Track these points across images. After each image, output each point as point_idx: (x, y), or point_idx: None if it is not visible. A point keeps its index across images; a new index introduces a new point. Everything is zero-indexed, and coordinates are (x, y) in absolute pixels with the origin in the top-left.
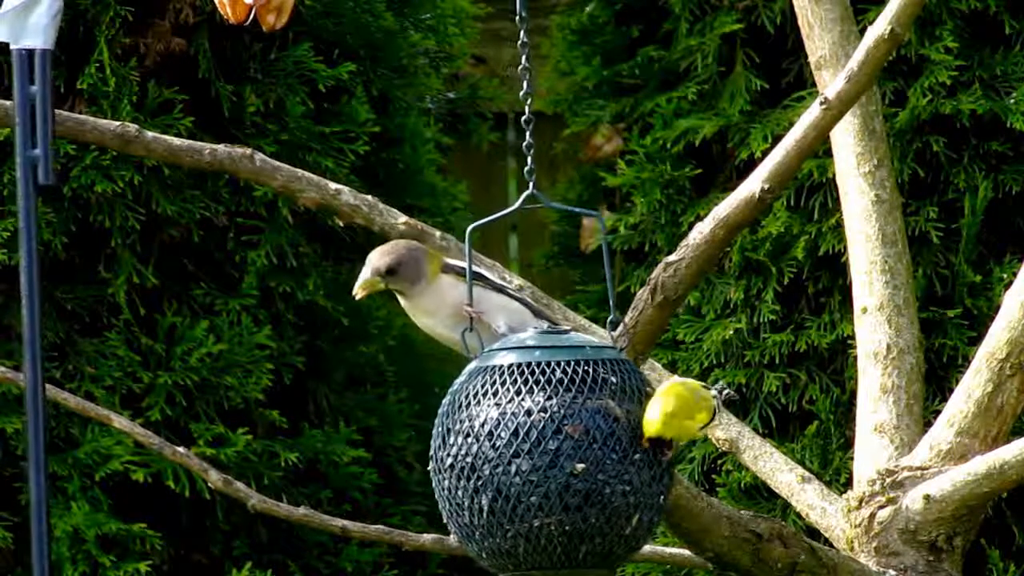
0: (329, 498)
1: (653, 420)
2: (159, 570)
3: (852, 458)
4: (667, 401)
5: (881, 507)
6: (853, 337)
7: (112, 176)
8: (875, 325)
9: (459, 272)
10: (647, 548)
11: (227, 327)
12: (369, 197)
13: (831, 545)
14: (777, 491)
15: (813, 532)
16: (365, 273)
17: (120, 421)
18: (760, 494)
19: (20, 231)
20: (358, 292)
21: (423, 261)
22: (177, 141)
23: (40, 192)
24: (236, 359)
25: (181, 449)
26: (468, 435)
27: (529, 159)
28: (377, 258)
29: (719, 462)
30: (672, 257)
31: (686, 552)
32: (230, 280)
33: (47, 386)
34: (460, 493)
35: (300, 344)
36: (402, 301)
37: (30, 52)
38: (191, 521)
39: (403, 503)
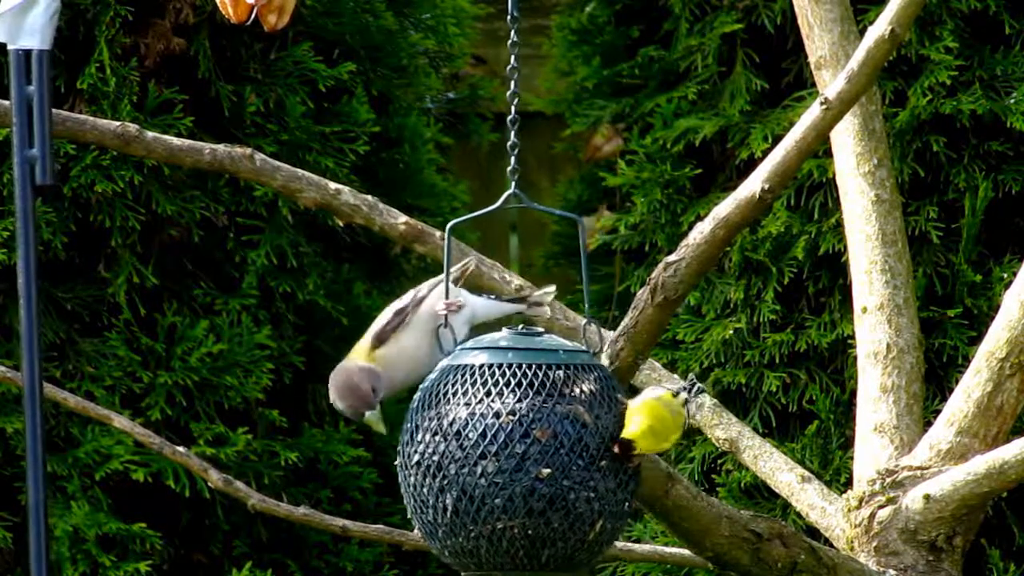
0: (329, 498)
1: (633, 431)
2: (159, 570)
3: (852, 458)
4: (649, 416)
5: (881, 507)
6: (853, 337)
7: (112, 176)
8: (875, 325)
9: (376, 335)
10: (647, 547)
11: (227, 327)
12: (369, 197)
13: (831, 545)
14: (777, 491)
15: (813, 532)
16: (365, 415)
17: (120, 421)
18: (760, 494)
19: (18, 230)
20: (379, 428)
21: (360, 371)
22: (177, 141)
23: (38, 192)
24: (236, 359)
25: (181, 449)
26: (436, 433)
27: (512, 159)
28: (348, 400)
29: (719, 462)
30: (672, 257)
31: (686, 552)
32: (230, 280)
33: (47, 386)
34: (425, 491)
35: (300, 344)
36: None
37: (27, 52)
38: (191, 521)
39: (403, 503)
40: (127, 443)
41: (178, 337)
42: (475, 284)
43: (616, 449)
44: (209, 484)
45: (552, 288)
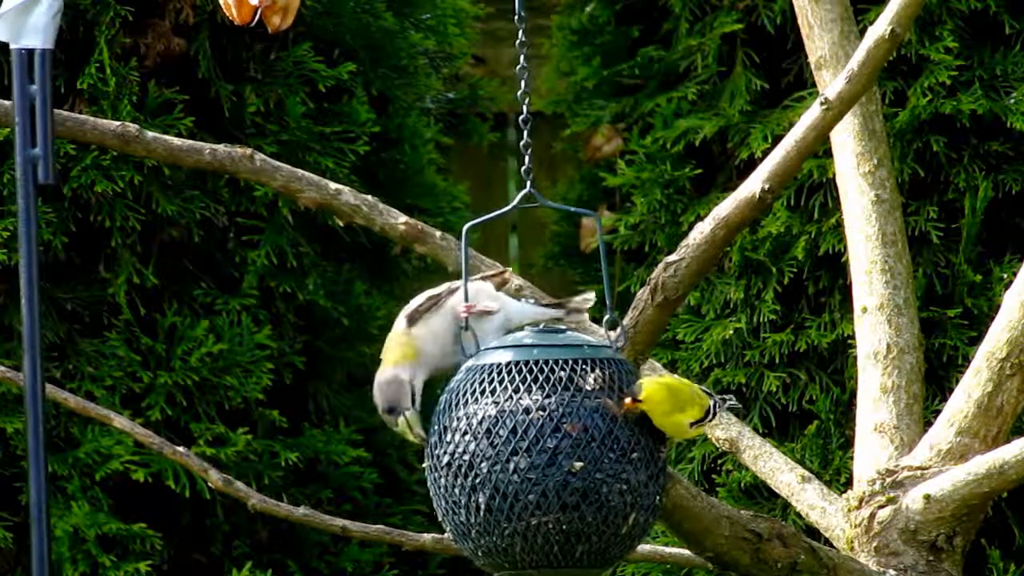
0: (329, 498)
1: (647, 384)
2: (159, 570)
3: (852, 458)
4: (666, 381)
5: (881, 507)
6: (853, 337)
7: (112, 176)
8: (875, 325)
9: (409, 315)
10: (647, 548)
11: (227, 327)
12: (369, 197)
13: (831, 545)
14: (777, 491)
15: (813, 532)
16: (405, 414)
17: (120, 421)
18: (760, 494)
19: (19, 230)
20: (414, 437)
21: (393, 378)
22: (177, 141)
23: (40, 191)
24: (236, 359)
25: (181, 449)
26: (466, 433)
27: (527, 159)
28: (385, 398)
29: (719, 462)
30: (672, 257)
31: (686, 552)
32: (230, 280)
33: (47, 386)
34: (457, 491)
35: (300, 344)
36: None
37: (30, 52)
38: (191, 521)
39: (403, 503)
40: (127, 443)
41: (178, 337)
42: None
43: (626, 402)
44: (209, 484)
45: (591, 296)
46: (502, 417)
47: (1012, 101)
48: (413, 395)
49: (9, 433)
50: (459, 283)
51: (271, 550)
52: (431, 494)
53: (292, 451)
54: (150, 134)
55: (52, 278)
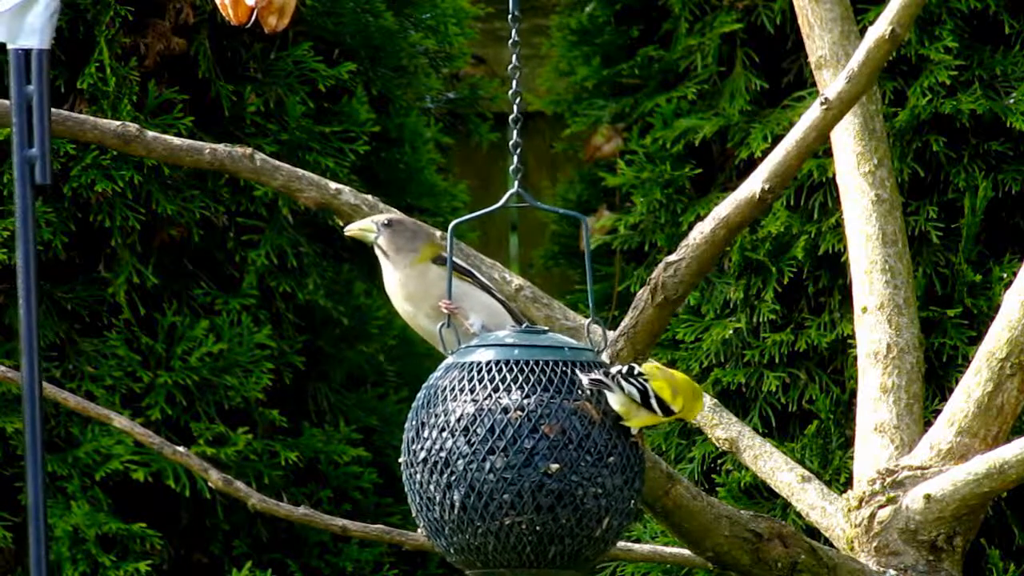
0: (329, 497)
1: (677, 396)
2: (159, 570)
3: (852, 458)
4: (681, 385)
5: (881, 507)
6: (853, 337)
7: (112, 176)
8: (875, 325)
9: (454, 268)
10: (647, 548)
11: (227, 327)
12: (369, 197)
13: (831, 545)
14: (777, 491)
15: (813, 532)
16: (364, 221)
17: (120, 420)
18: (760, 494)
19: (17, 231)
20: (350, 230)
21: (420, 239)
22: (177, 141)
23: (37, 191)
24: (236, 359)
25: (181, 448)
26: (443, 429)
27: (515, 158)
28: (382, 215)
29: (719, 462)
30: (672, 257)
31: (686, 552)
32: (230, 280)
33: (47, 385)
34: (432, 487)
35: (300, 344)
36: (388, 276)
37: (27, 52)
38: (191, 521)
39: (403, 503)
40: (127, 443)
41: (178, 337)
42: (508, 291)
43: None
44: (209, 484)
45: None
46: (480, 415)
47: (1012, 101)
48: (410, 241)
49: (9, 433)
50: (485, 280)
51: (271, 550)
52: (406, 489)
53: (292, 451)
54: (150, 134)
55: (52, 278)
